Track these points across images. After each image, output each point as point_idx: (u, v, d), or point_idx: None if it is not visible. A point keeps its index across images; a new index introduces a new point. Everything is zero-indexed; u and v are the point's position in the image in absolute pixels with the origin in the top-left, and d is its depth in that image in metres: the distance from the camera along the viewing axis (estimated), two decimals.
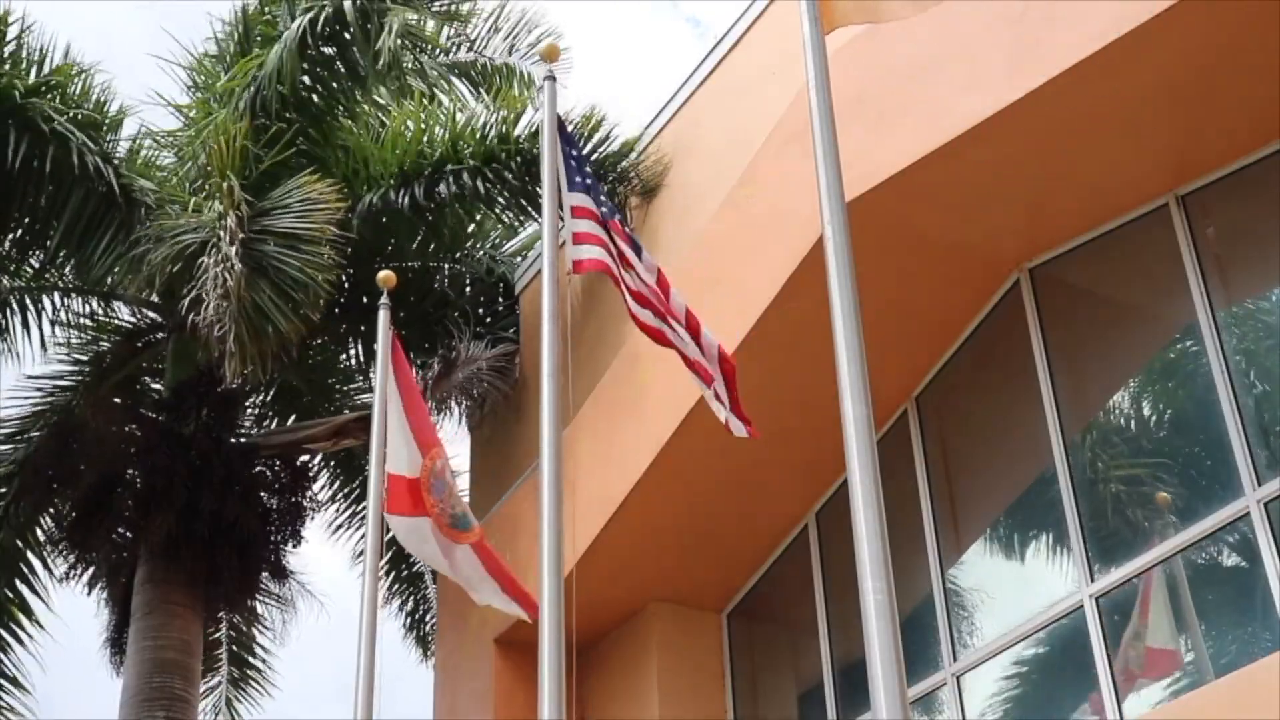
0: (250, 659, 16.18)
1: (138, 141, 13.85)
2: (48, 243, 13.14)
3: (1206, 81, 8.24)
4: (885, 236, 9.22)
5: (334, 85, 13.33)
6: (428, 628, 15.69)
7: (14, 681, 14.80)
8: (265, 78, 12.83)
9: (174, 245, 11.95)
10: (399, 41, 12.34)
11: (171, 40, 14.65)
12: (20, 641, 14.73)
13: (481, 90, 14.62)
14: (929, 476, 10.33)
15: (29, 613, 14.69)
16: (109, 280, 13.12)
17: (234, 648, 16.03)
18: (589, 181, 7.75)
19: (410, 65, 13.20)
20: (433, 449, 9.86)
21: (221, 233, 11.52)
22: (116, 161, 13.14)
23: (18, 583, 14.60)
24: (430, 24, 13.82)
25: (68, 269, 13.76)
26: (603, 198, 7.81)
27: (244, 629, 15.88)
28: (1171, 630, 8.70)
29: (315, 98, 13.40)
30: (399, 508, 9.55)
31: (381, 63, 12.26)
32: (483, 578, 9.49)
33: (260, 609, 15.36)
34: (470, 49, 14.74)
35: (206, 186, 12.82)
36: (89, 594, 14.40)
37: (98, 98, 13.37)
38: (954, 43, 8.96)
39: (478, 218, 14.35)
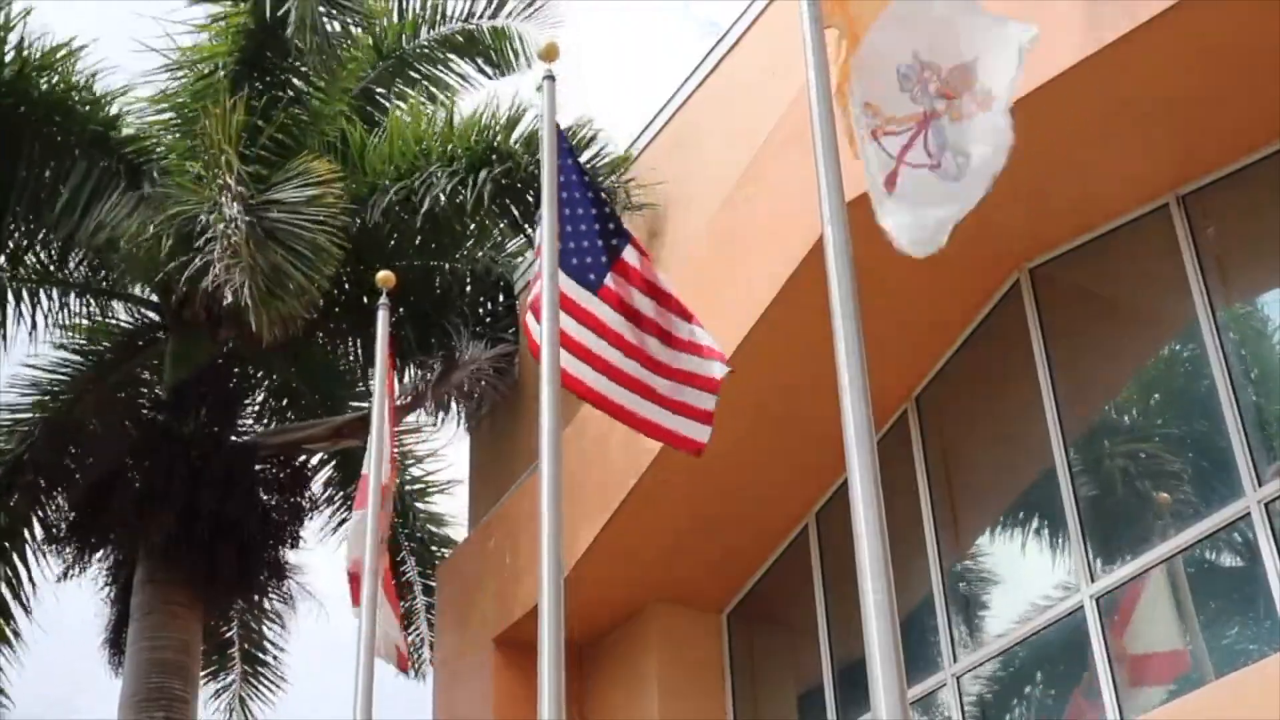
0: (261, 656, 16.20)
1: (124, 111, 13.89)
2: (48, 218, 13.15)
3: (1206, 81, 8.24)
4: (885, 236, 9.20)
5: (300, 67, 13.42)
6: (413, 636, 15.67)
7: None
8: (236, 52, 12.97)
9: (175, 212, 11.97)
10: (320, 9, 12.54)
11: (155, 24, 14.54)
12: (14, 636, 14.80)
13: (480, 63, 14.67)
14: (929, 476, 10.32)
15: (23, 605, 14.76)
16: (109, 257, 13.11)
17: (246, 645, 16.05)
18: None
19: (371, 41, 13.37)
20: (393, 466, 10.17)
21: (222, 197, 11.54)
22: (116, 133, 13.23)
23: (21, 577, 14.66)
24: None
25: (72, 255, 13.79)
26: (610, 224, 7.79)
27: (254, 627, 15.91)
28: (1165, 633, 8.70)
29: (293, 78, 13.48)
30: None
31: (294, 26, 12.38)
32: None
33: (266, 607, 15.44)
34: (463, 18, 14.83)
35: (204, 159, 12.81)
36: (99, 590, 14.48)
37: (91, 78, 13.42)
38: None
39: (474, 225, 14.35)
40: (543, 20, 14.42)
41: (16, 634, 14.73)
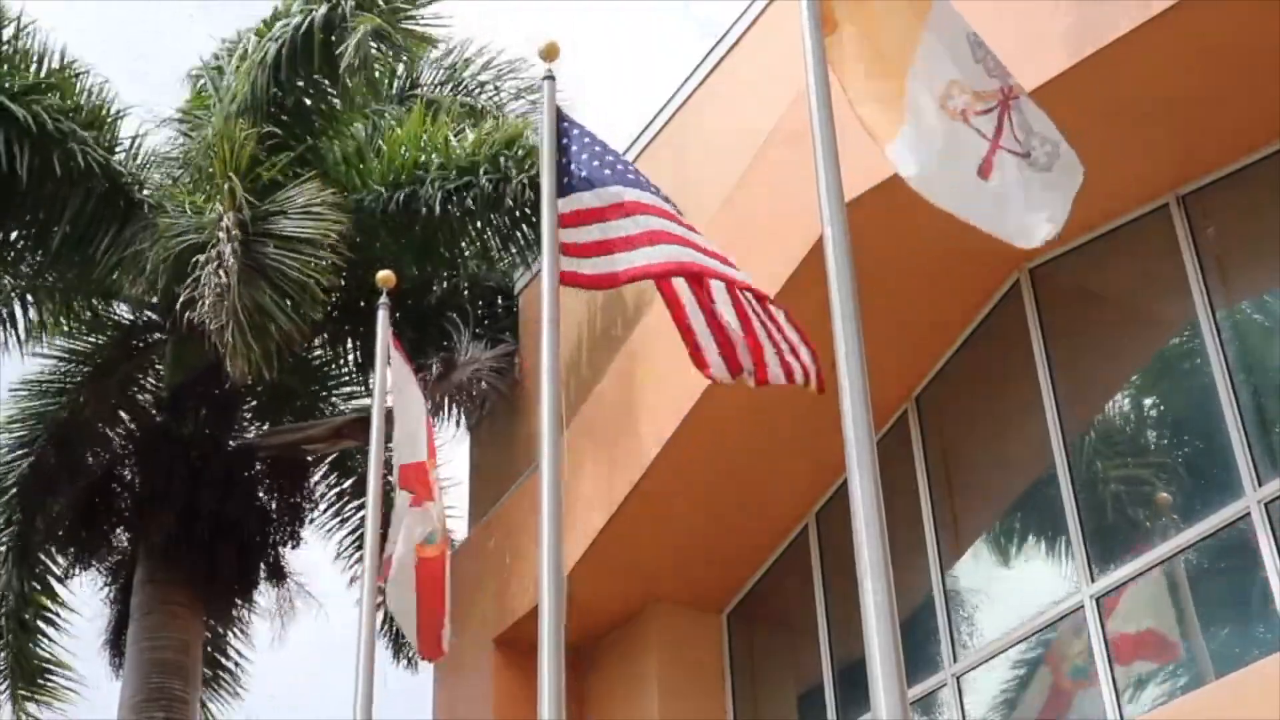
0: (223, 662, 16.06)
1: (137, 142, 13.83)
2: (50, 243, 13.14)
3: (1206, 81, 8.24)
4: (885, 236, 9.20)
5: (324, 90, 13.38)
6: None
7: (60, 663, 14.91)
8: (260, 80, 12.86)
9: (172, 244, 11.98)
10: (372, 47, 12.50)
11: (171, 41, 14.58)
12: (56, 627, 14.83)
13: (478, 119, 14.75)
14: (929, 476, 10.32)
15: (55, 598, 14.80)
16: (112, 280, 13.12)
17: (210, 649, 15.96)
18: (608, 171, 7.52)
19: (387, 74, 13.33)
20: (433, 453, 9.90)
21: (219, 233, 11.54)
22: (117, 162, 13.15)
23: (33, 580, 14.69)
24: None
25: (70, 272, 13.74)
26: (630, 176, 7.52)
27: (221, 633, 15.81)
28: (1161, 631, 8.70)
29: (309, 101, 13.42)
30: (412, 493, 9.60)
31: (346, 64, 12.35)
32: (409, 595, 9.48)
33: (260, 610, 15.41)
34: (462, 89, 14.97)
35: (207, 188, 12.82)
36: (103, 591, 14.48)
37: (95, 99, 13.34)
38: None
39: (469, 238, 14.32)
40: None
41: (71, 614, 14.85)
